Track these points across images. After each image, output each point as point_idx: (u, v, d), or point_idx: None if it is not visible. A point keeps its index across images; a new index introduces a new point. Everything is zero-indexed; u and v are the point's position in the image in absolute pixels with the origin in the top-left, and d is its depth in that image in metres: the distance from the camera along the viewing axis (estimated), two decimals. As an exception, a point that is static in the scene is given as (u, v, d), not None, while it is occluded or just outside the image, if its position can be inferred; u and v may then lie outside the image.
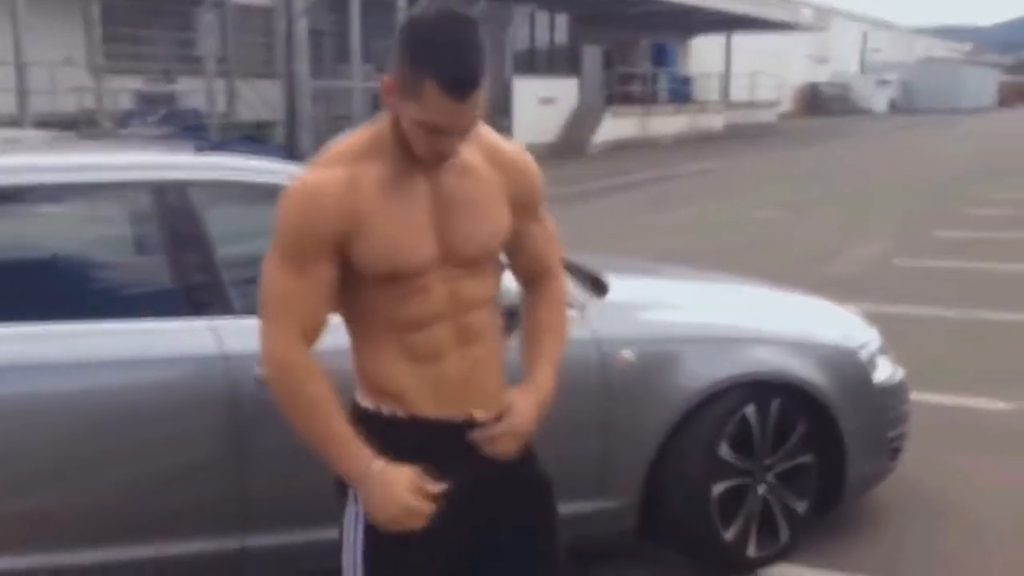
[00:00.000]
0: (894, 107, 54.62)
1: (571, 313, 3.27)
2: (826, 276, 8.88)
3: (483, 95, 1.88)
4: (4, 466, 2.75)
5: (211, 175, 3.14)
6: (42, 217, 3.06)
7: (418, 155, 1.93)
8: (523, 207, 2.11)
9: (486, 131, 2.09)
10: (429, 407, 2.02)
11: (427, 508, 1.95)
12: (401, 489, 1.93)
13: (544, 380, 2.13)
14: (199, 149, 3.41)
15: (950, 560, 3.74)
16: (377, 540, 2.00)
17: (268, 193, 2.97)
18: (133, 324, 2.93)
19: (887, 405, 3.82)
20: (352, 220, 1.91)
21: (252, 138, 3.47)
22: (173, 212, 3.00)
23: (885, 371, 3.84)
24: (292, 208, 1.93)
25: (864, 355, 3.78)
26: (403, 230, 1.95)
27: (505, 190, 2.07)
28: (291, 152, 3.27)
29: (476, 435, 2.03)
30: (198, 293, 2.98)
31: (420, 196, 1.97)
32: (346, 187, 1.92)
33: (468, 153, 2.03)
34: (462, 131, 1.91)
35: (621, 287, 3.70)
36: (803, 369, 3.57)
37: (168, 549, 2.90)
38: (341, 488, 2.05)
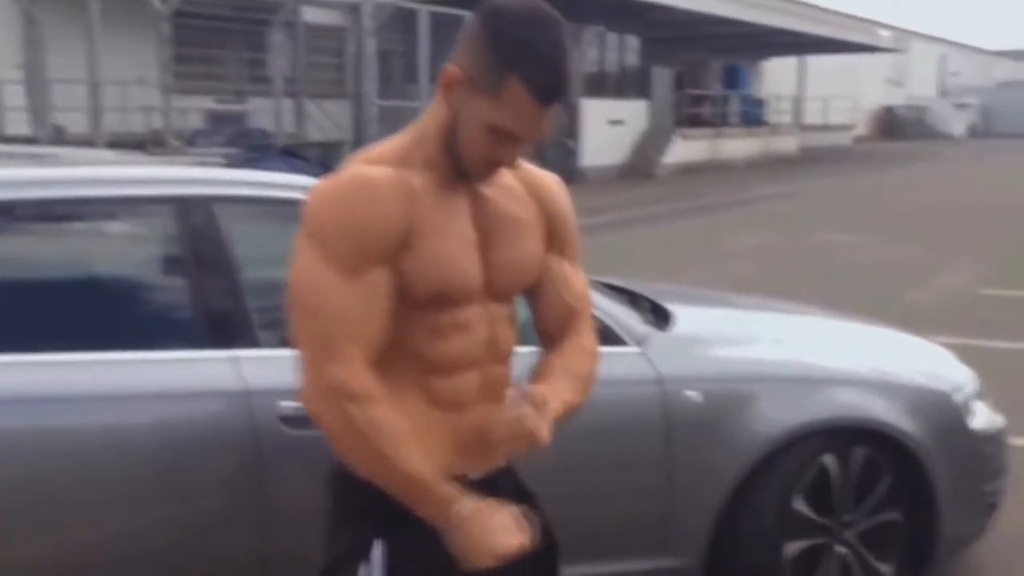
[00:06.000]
0: (973, 132, 53.18)
1: (630, 349, 2.99)
2: (909, 306, 8.41)
3: (550, 123, 1.67)
4: (20, 502, 2.51)
5: (238, 191, 2.88)
6: (49, 236, 2.83)
7: (467, 162, 1.69)
8: (556, 240, 1.86)
9: None
10: (449, 460, 1.75)
11: (516, 550, 1.68)
12: (493, 536, 1.67)
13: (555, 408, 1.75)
14: (231, 163, 3.16)
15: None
16: None
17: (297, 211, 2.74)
18: (149, 355, 2.68)
19: (985, 456, 3.43)
20: (407, 223, 1.67)
21: (292, 152, 3.25)
22: (195, 231, 2.75)
23: (983, 417, 3.45)
24: (346, 201, 1.65)
25: (959, 399, 3.39)
26: (454, 245, 1.72)
27: (540, 218, 1.85)
28: (331, 169, 3.02)
29: (492, 424, 1.70)
30: (220, 322, 2.72)
31: (464, 212, 1.75)
32: (401, 186, 1.68)
33: (504, 173, 1.80)
34: (532, 141, 1.68)
35: (686, 318, 3.37)
36: (890, 414, 3.19)
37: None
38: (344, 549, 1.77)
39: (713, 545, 3.04)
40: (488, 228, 1.76)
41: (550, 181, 1.89)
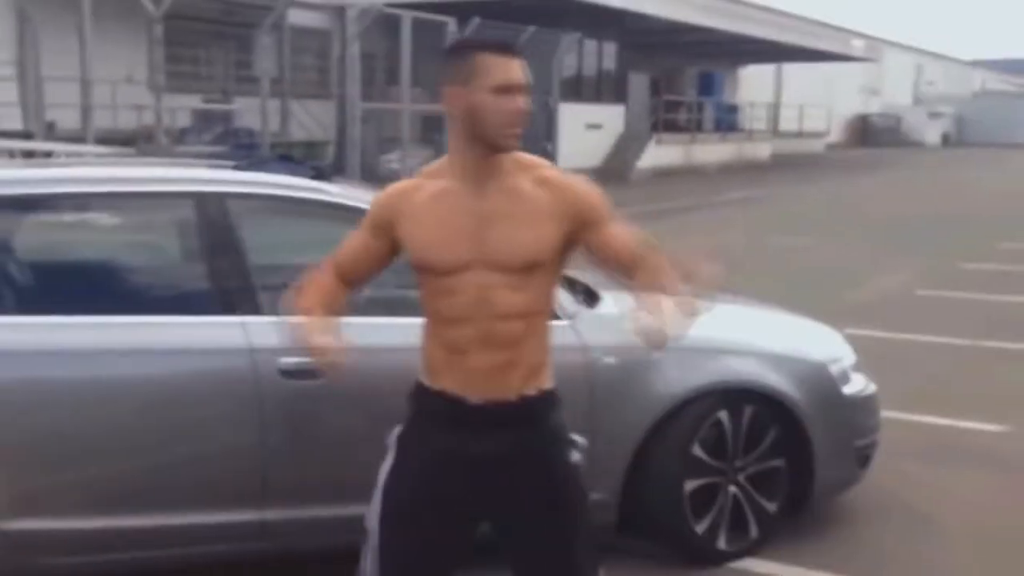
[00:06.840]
0: (947, 140, 54.01)
1: (562, 322, 3.68)
2: (848, 303, 9.12)
3: (526, 72, 2.35)
4: (69, 438, 3.19)
5: (247, 189, 3.57)
6: (99, 222, 3.55)
7: (496, 133, 2.32)
8: (582, 221, 2.44)
9: (542, 164, 2.49)
10: (454, 387, 2.45)
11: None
12: (311, 333, 2.47)
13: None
14: (240, 166, 3.84)
15: (904, 560, 4.04)
16: (395, 493, 2.51)
17: (294, 206, 3.49)
18: (174, 319, 3.37)
19: (855, 415, 4.15)
20: (395, 214, 2.46)
21: (287, 157, 3.82)
22: (212, 221, 3.44)
23: (857, 385, 4.17)
24: (378, 195, 2.59)
25: (834, 369, 4.11)
26: (440, 230, 2.39)
27: (552, 208, 2.41)
28: (320, 172, 3.72)
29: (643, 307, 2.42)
30: (231, 294, 3.41)
31: (465, 206, 2.39)
32: (407, 192, 2.47)
33: (518, 180, 2.42)
34: (524, 88, 2.33)
35: (612, 300, 4.05)
36: (774, 379, 3.91)
37: (200, 519, 3.30)
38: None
39: (627, 482, 3.73)
40: (487, 218, 2.37)
41: (576, 184, 2.45)
